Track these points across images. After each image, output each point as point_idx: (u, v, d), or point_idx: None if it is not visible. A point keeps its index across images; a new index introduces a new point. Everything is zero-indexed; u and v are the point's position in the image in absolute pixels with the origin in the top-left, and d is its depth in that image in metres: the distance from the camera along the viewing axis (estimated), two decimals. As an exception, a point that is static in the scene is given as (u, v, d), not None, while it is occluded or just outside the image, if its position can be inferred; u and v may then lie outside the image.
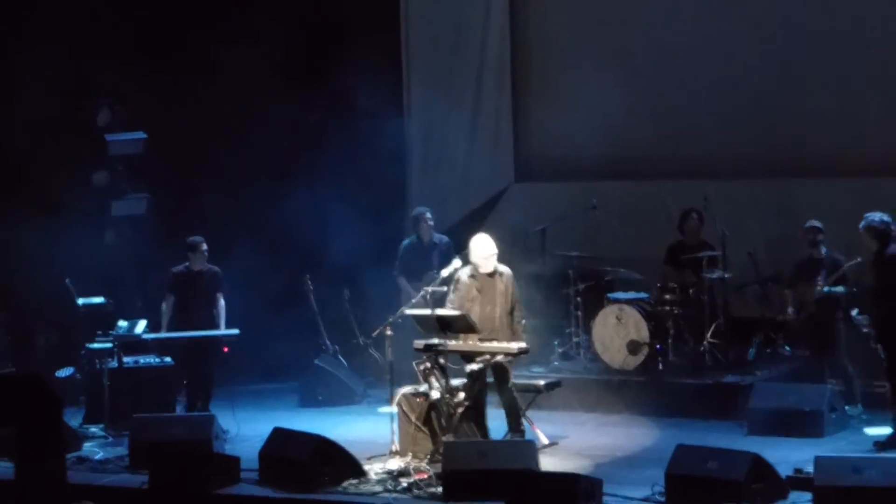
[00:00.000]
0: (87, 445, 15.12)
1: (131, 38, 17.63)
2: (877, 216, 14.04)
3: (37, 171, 16.80)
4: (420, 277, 15.48)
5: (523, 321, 14.73)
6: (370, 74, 18.02)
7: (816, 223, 15.70)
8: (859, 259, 14.40)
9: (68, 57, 17.11)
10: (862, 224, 14.12)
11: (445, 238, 17.00)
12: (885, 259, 13.90)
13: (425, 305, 14.41)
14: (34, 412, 12.60)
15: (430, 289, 14.74)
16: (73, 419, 15.55)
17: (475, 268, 14.36)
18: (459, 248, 15.43)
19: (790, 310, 16.02)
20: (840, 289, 14.93)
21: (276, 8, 18.24)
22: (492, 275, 14.35)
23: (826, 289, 15.04)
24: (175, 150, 18.48)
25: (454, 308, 14.24)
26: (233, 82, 17.40)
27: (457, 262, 14.88)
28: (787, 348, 16.63)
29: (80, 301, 16.05)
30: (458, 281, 14.42)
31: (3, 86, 17.05)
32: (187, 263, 15.98)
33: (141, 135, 17.88)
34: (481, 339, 14.17)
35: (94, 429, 15.58)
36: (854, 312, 14.42)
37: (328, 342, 17.47)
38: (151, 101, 18.02)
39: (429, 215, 17.18)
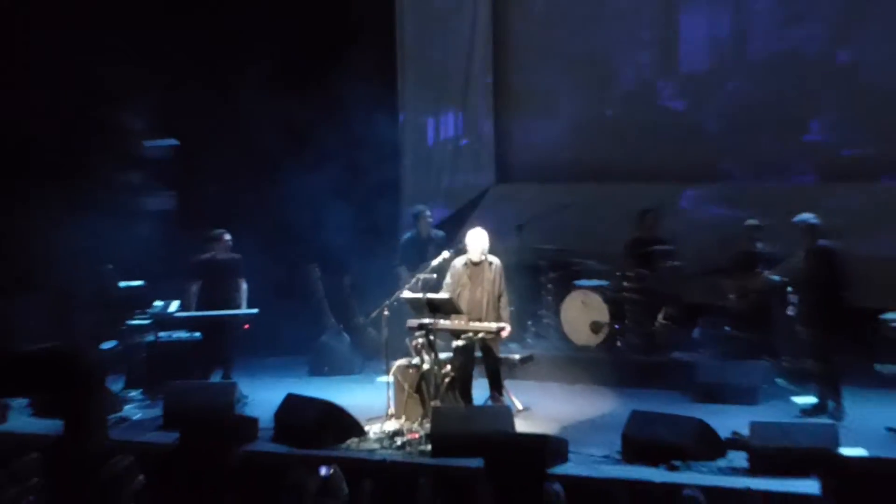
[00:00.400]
0: (127, 408, 15.25)
1: (154, 48, 17.56)
2: (809, 216, 14.26)
3: (78, 169, 16.83)
4: (417, 267, 15.49)
5: (511, 308, 14.94)
6: (368, 82, 18.07)
7: (755, 222, 15.97)
8: (801, 253, 14.59)
9: (100, 67, 17.13)
10: (797, 222, 14.32)
11: (441, 233, 17.11)
12: (816, 252, 14.18)
13: (417, 290, 14.68)
14: (79, 378, 12.91)
15: (421, 276, 14.99)
16: (116, 385, 15.79)
17: (468, 256, 14.64)
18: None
19: (731, 296, 16.33)
20: (777, 278, 15.17)
21: (282, 17, 18.16)
22: (480, 263, 14.52)
23: (776, 278, 15.27)
24: (191, 151, 18.58)
25: (450, 290, 14.46)
26: (241, 88, 17.37)
27: (445, 254, 15.12)
28: (728, 329, 16.67)
29: (122, 284, 16.24)
30: (453, 267, 14.64)
31: (56, 97, 17.05)
32: (213, 252, 16.14)
33: (173, 142, 18.04)
34: (470, 320, 14.36)
35: (133, 393, 15.75)
36: (789, 289, 14.65)
37: (333, 321, 17.61)
38: (171, 106, 18.08)
39: (428, 213, 17.27)
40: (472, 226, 15.30)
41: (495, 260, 14.67)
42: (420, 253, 16.15)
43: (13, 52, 16.47)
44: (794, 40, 17.52)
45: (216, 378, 16.00)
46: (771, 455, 12.19)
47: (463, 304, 14.40)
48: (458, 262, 14.67)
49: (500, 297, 14.58)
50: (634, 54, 18.38)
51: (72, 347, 14.93)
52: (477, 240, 14.57)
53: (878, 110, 17.00)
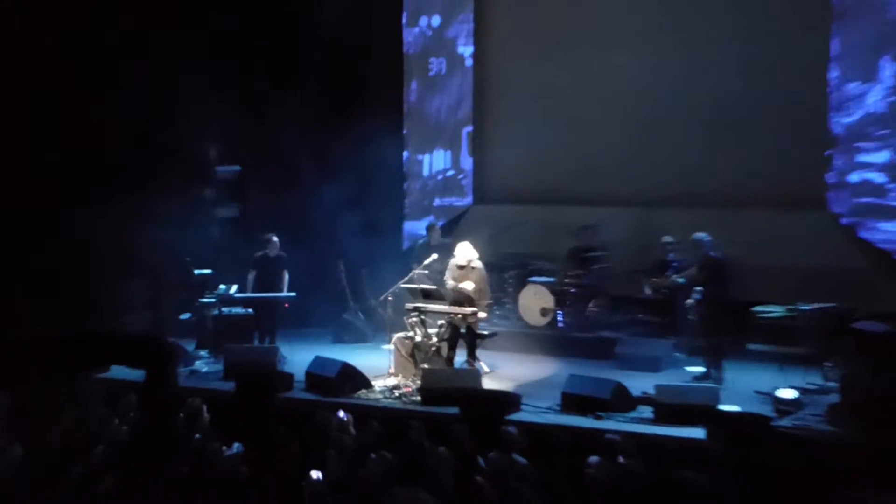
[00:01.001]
0: (197, 363, 15.39)
1: (222, 95, 17.33)
2: (703, 235, 14.40)
3: (169, 185, 16.74)
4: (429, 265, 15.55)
5: (490, 301, 15.10)
6: (381, 127, 18.21)
7: (669, 238, 16.00)
8: (694, 267, 14.66)
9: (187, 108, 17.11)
10: (694, 239, 14.50)
11: (447, 240, 16.88)
12: (707, 262, 14.29)
13: (412, 280, 14.80)
14: (158, 352, 13.01)
15: (416, 272, 15.05)
16: (189, 346, 15.86)
17: (456, 261, 14.76)
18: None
19: (647, 291, 16.35)
20: (682, 280, 15.19)
21: (316, 74, 18.11)
22: (465, 267, 14.66)
23: (680, 279, 15.28)
24: (248, 172, 18.49)
25: (451, 282, 14.67)
26: (285, 126, 17.21)
27: (434, 256, 15.28)
28: (641, 315, 16.75)
29: (197, 272, 16.25)
30: (450, 266, 14.83)
31: (158, 131, 16.99)
32: (266, 250, 16.13)
33: (237, 168, 18.01)
34: (454, 304, 14.49)
35: (202, 353, 15.78)
36: (698, 288, 14.61)
37: (352, 303, 17.58)
38: (233, 139, 18.05)
39: (438, 226, 17.30)
40: (456, 237, 15.49)
41: (478, 264, 14.74)
42: (430, 255, 15.93)
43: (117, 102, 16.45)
44: (707, 98, 17.42)
45: (264, 343, 15.97)
46: (670, 409, 12.32)
47: (454, 293, 14.56)
48: (453, 262, 14.80)
49: (480, 291, 14.61)
50: (580, 111, 18.29)
51: (153, 334, 14.94)
52: (462, 250, 14.76)
53: (759, 159, 17.02)
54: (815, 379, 13.71)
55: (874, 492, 8.43)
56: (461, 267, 14.71)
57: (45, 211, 16.02)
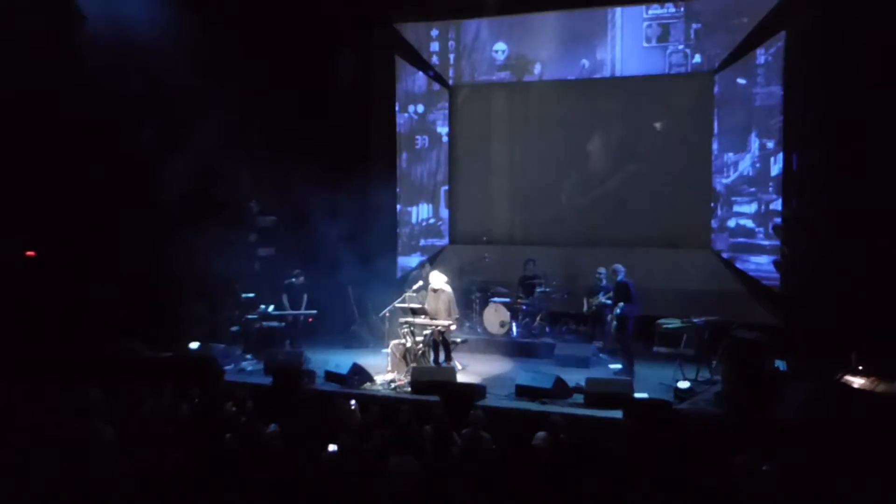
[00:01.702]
0: (243, 363, 15.37)
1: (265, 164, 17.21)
2: (619, 266, 14.44)
3: (225, 233, 16.60)
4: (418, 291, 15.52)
5: (457, 316, 14.97)
6: (379, 187, 18.32)
7: (602, 269, 15.92)
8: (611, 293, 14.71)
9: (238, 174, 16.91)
10: (612, 268, 14.58)
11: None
12: (618, 286, 14.29)
13: (404, 301, 14.79)
14: (211, 368, 12.90)
15: (407, 294, 15.05)
16: (238, 350, 15.78)
17: (431, 286, 14.75)
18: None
19: (585, 308, 16.31)
20: (609, 301, 15.21)
21: (330, 149, 17.88)
22: (438, 290, 14.64)
23: (607, 300, 15.28)
24: (281, 222, 18.19)
25: (425, 303, 14.68)
26: (304, 185, 16.76)
27: (420, 283, 15.27)
28: (574, 326, 16.71)
29: (243, 295, 16.18)
30: (428, 290, 14.80)
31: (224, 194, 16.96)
32: (294, 279, 16.25)
33: (273, 218, 17.98)
34: (433, 319, 14.49)
35: (248, 356, 15.70)
36: (621, 304, 14.62)
37: (358, 317, 17.43)
38: (268, 196, 17.94)
39: (427, 263, 17.29)
40: (435, 269, 15.46)
41: (447, 288, 14.71)
42: (417, 282, 15.72)
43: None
44: (623, 165, 17.45)
45: (293, 348, 15.82)
46: (596, 396, 12.35)
47: (430, 311, 14.51)
48: (430, 286, 14.78)
49: (448, 310, 14.60)
50: (527, 175, 18.33)
51: (207, 357, 14.80)
52: (435, 278, 14.76)
53: (661, 210, 17.14)
54: (703, 373, 13.80)
55: (749, 456, 8.49)
56: (434, 290, 14.69)
57: (136, 246, 16.20)
